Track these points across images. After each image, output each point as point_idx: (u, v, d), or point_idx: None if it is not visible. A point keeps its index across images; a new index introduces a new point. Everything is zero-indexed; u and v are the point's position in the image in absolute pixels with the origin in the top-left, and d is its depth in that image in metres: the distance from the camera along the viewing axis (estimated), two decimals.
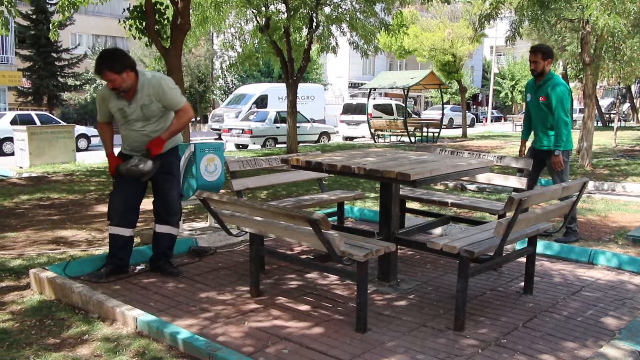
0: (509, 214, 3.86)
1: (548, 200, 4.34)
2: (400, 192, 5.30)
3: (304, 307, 4.22)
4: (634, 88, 39.34)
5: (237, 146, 22.90)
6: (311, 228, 3.53)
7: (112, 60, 4.52)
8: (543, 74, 6.02)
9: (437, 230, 6.40)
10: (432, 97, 52.87)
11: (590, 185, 10.31)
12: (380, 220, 4.76)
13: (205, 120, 37.00)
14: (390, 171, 4.02)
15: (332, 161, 4.43)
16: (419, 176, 3.97)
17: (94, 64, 4.66)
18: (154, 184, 4.93)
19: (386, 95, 41.49)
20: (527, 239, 4.54)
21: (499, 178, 5.65)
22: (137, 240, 6.11)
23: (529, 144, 6.48)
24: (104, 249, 5.73)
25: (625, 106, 43.84)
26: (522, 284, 4.65)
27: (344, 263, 3.76)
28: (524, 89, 6.43)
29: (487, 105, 55.34)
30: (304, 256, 5.29)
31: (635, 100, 42.86)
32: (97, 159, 17.12)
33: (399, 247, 4.87)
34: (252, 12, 16.48)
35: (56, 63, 34.53)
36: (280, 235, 4.09)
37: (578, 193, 4.49)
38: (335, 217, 6.09)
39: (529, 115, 6.34)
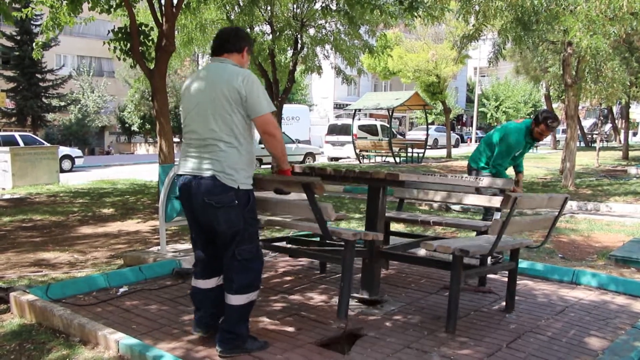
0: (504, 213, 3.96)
1: (536, 206, 4.46)
2: (386, 215, 5.31)
3: (287, 329, 4.19)
4: (615, 109, 39.87)
5: None
6: (305, 195, 3.70)
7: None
8: None
9: (421, 252, 6.41)
10: (416, 117, 53.20)
11: (574, 205, 10.40)
12: (365, 229, 4.74)
13: None
14: (379, 172, 4.19)
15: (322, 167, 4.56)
16: (408, 178, 4.06)
17: None
18: None
19: (371, 116, 41.70)
20: (509, 253, 4.60)
21: (483, 199, 5.69)
22: (120, 262, 6.07)
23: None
24: (86, 271, 5.68)
25: (607, 127, 44.45)
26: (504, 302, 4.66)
27: (333, 240, 3.82)
28: (517, 144, 6.22)
29: (471, 125, 55.80)
30: (289, 278, 5.27)
31: (617, 121, 43.43)
32: (80, 180, 17.01)
33: (382, 267, 4.88)
34: None
35: (40, 84, 34.47)
36: (273, 211, 4.13)
37: (560, 209, 4.54)
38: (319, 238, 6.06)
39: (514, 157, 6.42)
